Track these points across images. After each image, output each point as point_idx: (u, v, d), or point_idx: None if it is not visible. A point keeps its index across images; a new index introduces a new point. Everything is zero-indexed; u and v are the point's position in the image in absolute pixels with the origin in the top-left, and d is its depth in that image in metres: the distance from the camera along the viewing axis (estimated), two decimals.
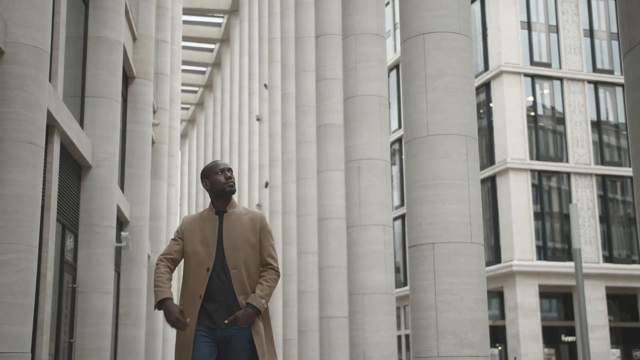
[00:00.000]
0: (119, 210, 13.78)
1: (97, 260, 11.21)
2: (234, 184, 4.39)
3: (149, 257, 18.81)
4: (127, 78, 15.79)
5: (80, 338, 10.96)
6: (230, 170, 4.42)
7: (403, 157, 29.54)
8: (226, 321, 4.20)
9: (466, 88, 7.99)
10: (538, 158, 26.90)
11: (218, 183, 4.36)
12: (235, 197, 28.93)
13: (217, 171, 4.38)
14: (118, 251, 14.48)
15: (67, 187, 10.86)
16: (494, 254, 26.74)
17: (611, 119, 28.59)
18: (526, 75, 27.41)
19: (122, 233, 13.86)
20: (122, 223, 15.01)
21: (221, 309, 4.23)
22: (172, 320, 4.12)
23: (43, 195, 9.18)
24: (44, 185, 9.20)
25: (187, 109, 56.57)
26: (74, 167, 11.22)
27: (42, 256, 9.07)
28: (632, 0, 3.15)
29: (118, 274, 14.98)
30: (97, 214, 11.34)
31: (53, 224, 9.49)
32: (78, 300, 11.09)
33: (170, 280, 4.31)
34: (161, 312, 4.26)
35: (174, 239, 4.43)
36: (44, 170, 9.22)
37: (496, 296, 27.09)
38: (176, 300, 26.61)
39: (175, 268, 4.41)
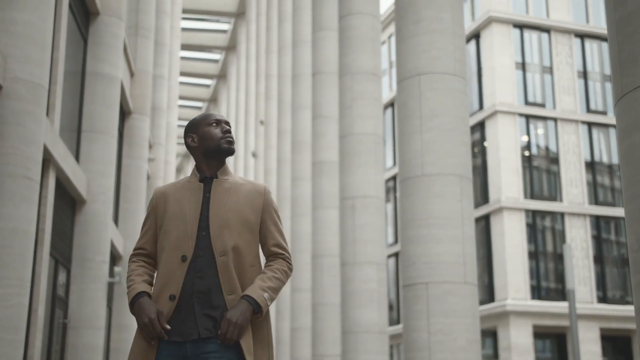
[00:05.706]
0: (112, 245, 13.74)
1: (89, 296, 11.15)
2: (234, 140, 3.14)
3: None
4: (124, 113, 15.86)
5: None
6: (228, 123, 3.18)
7: (397, 194, 29.55)
8: (219, 340, 2.88)
9: (461, 128, 8.06)
10: (532, 197, 26.95)
11: (212, 138, 3.09)
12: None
13: (211, 122, 3.13)
14: (110, 286, 14.40)
15: (61, 221, 10.84)
16: (488, 293, 26.63)
17: (605, 159, 28.74)
18: (520, 115, 27.59)
19: (115, 268, 13.81)
20: (115, 258, 14.95)
21: (192, 314, 2.93)
22: (144, 322, 2.90)
23: (37, 230, 9.16)
24: (38, 219, 9.18)
25: (183, 143, 56.70)
26: (68, 201, 11.21)
27: (34, 290, 9.01)
28: (623, 48, 3.20)
29: (110, 309, 14.88)
30: (90, 249, 11.31)
31: (46, 258, 9.45)
32: (69, 335, 10.99)
33: (149, 275, 3.10)
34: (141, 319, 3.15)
35: (143, 223, 3.16)
36: (39, 205, 9.21)
37: (489, 336, 26.91)
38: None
39: (154, 262, 3.15)
